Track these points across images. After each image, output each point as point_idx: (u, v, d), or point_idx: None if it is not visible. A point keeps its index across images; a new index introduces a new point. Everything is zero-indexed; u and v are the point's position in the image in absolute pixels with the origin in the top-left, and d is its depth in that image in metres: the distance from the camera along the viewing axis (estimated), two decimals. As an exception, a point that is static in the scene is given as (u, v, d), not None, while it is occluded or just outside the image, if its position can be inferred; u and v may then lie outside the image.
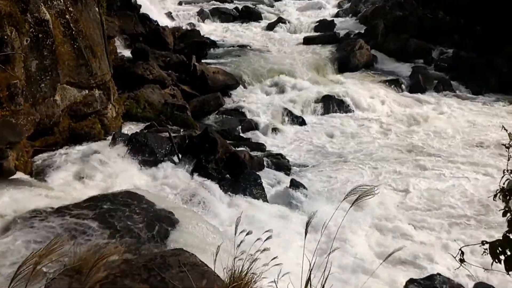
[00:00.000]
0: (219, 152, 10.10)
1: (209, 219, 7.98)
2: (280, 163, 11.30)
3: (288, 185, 10.12)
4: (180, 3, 26.18)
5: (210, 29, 22.40)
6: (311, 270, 2.78)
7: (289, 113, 14.24)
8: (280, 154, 11.79)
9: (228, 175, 9.96)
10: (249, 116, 13.95)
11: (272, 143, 12.74)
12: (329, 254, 2.98)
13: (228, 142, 11.09)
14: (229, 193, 9.42)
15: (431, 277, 7.21)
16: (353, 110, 14.87)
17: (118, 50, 15.30)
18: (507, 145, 2.36)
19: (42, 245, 2.81)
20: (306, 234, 3.09)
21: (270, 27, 23.21)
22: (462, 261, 2.37)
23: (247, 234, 3.13)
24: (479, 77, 16.69)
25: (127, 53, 15.34)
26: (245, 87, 15.86)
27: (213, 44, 19.85)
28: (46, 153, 9.35)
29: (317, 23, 23.20)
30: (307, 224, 3.04)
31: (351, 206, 4.37)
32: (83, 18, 10.04)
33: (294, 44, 20.60)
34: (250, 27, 23.39)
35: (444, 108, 15.11)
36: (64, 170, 8.81)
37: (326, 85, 16.23)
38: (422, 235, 8.93)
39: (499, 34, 16.98)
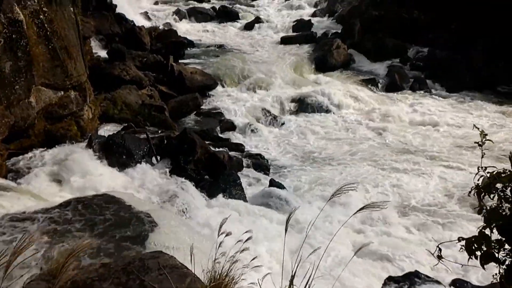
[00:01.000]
0: (198, 153, 10.07)
1: (188, 221, 7.96)
2: (259, 163, 11.32)
3: (268, 185, 10.14)
4: (156, 3, 25.97)
5: (187, 29, 22.28)
6: (295, 272, 2.78)
7: (268, 113, 14.26)
8: (259, 154, 11.80)
9: (207, 176, 9.94)
10: (227, 116, 13.92)
11: (251, 143, 12.74)
12: (310, 254, 2.98)
13: (207, 142, 11.07)
14: (208, 194, 9.39)
15: (409, 274, 7.30)
16: (330, 110, 14.95)
17: (94, 51, 15.11)
18: (479, 143, 2.40)
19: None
20: (286, 231, 3.08)
21: (248, 26, 23.21)
22: (440, 257, 2.40)
23: (227, 235, 3.11)
24: (455, 75, 16.93)
25: (103, 53, 15.16)
26: (223, 87, 15.83)
27: (191, 44, 19.76)
28: (21, 155, 9.19)
29: (295, 23, 23.27)
30: (287, 221, 3.03)
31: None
32: (57, 18, 9.89)
33: (271, 44, 20.64)
34: (227, 27, 23.35)
35: (418, 106, 15.32)
36: (40, 173, 8.68)
37: (304, 85, 16.29)
38: (401, 231, 9.04)
39: (474, 29, 17.22)
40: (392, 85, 16.92)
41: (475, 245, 2.26)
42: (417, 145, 12.72)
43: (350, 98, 15.51)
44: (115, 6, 19.05)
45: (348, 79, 17.19)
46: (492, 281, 2.54)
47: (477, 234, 2.30)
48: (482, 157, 2.39)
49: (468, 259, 2.30)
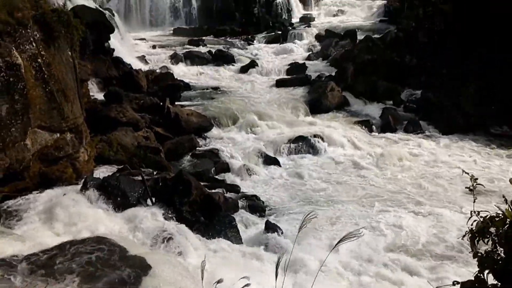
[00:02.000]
0: (193, 195, 10.03)
1: (183, 264, 7.84)
2: (255, 205, 11.27)
3: (263, 227, 10.06)
4: (153, 47, 26.43)
5: (184, 72, 22.59)
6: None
7: (263, 154, 14.31)
8: (255, 196, 11.77)
9: (202, 218, 9.87)
10: (223, 157, 13.96)
11: (246, 185, 12.72)
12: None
13: (202, 184, 11.04)
14: (203, 236, 9.31)
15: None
16: (326, 151, 15.04)
17: (92, 93, 15.28)
18: (470, 187, 2.43)
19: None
20: (276, 276, 2.94)
21: (243, 70, 23.58)
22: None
23: (218, 282, 3.00)
24: (448, 117, 17.15)
25: (100, 96, 15.33)
26: (219, 128, 15.96)
27: (187, 86, 20.00)
28: (15, 198, 9.13)
29: (289, 66, 23.68)
30: (276, 266, 2.91)
31: (331, 251, 4.32)
32: (55, 62, 10.03)
33: (267, 87, 20.92)
34: (223, 70, 23.69)
35: (414, 148, 15.43)
36: (34, 216, 8.62)
37: (299, 126, 16.44)
38: (398, 273, 8.94)
39: (464, 73, 17.60)
40: (386, 126, 17.10)
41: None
42: (412, 186, 12.72)
43: (345, 139, 15.64)
44: (113, 50, 19.39)
45: (342, 121, 17.37)
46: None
47: (472, 278, 2.29)
48: (474, 201, 2.41)
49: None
